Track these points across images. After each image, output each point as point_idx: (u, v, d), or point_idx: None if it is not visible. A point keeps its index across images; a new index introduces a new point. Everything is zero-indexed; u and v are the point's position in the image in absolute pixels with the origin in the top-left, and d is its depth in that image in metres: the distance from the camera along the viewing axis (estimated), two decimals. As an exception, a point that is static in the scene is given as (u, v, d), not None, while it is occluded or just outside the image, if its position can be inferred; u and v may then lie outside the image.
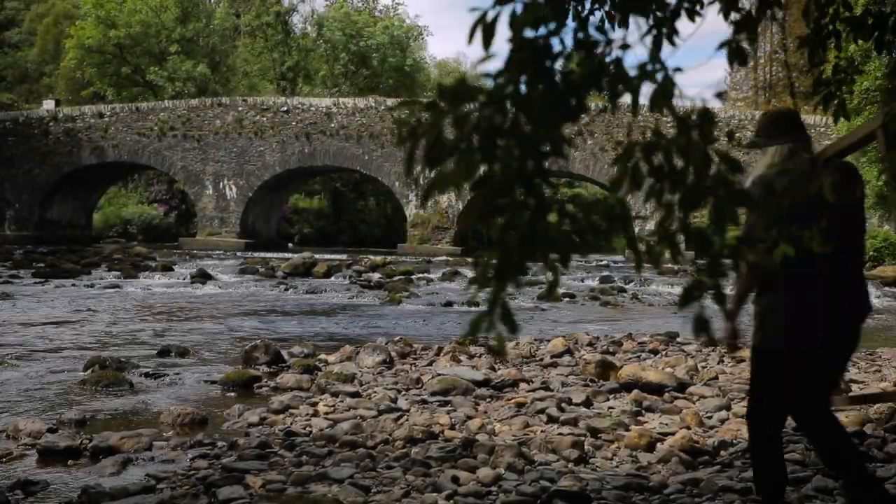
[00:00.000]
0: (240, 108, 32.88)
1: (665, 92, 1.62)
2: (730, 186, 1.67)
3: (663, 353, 8.34)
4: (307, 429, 5.32)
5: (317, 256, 21.72)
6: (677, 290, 17.69)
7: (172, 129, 33.01)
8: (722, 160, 1.70)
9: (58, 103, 38.17)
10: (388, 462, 4.53)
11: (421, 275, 19.47)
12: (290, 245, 37.94)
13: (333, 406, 5.86)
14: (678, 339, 9.25)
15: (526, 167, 1.56)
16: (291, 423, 5.45)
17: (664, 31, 1.76)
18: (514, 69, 1.49)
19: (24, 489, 4.14)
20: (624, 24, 1.70)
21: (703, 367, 7.27)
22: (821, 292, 3.18)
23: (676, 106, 1.65)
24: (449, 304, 14.69)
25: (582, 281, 18.91)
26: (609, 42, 1.66)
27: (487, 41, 1.60)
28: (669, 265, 20.86)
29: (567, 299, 15.59)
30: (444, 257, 26.83)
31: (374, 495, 4.00)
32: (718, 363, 7.66)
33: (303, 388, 6.68)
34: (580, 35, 1.61)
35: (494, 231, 1.58)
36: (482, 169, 1.57)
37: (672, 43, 1.78)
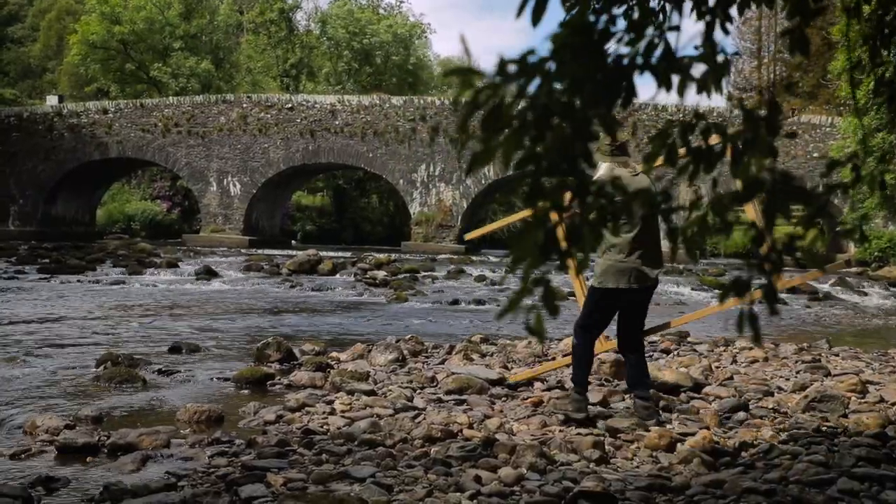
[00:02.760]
0: (244, 105, 32.87)
1: (719, 75, 1.60)
2: (787, 182, 1.65)
3: (675, 352, 8.33)
4: (324, 427, 5.30)
5: (321, 254, 21.70)
6: (682, 289, 17.67)
7: (177, 126, 33.00)
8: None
9: (61, 99, 38.22)
10: (409, 461, 4.51)
11: (426, 273, 19.46)
12: (294, 242, 37.96)
13: (350, 404, 5.84)
14: (689, 339, 9.23)
15: (574, 148, 1.54)
16: (308, 422, 5.43)
17: (718, 14, 1.74)
18: (568, 51, 1.46)
19: (45, 486, 4.13)
20: (678, 7, 1.69)
21: (717, 367, 7.25)
22: (631, 257, 5.12)
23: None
24: (455, 301, 14.68)
25: (586, 280, 18.86)
26: (661, 24, 1.64)
27: (537, 17, 1.56)
28: (677, 264, 20.82)
29: (572, 298, 15.56)
30: (447, 255, 26.82)
31: (396, 494, 3.98)
32: (732, 363, 7.64)
33: (317, 386, 6.66)
34: (634, 14, 1.59)
35: (539, 211, 1.56)
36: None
37: (725, 30, 1.76)
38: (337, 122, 31.97)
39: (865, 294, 17.13)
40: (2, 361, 7.58)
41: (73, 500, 4.02)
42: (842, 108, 26.47)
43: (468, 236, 7.30)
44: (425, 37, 54.12)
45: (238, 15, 52.22)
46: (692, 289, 17.87)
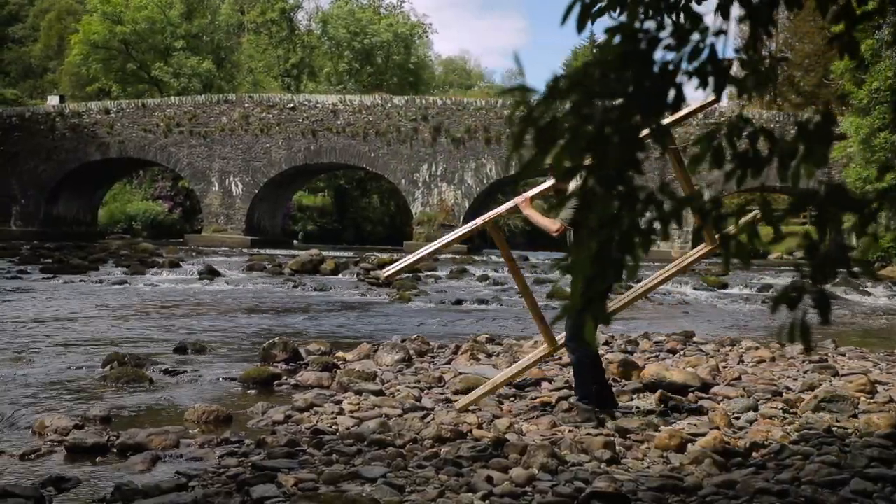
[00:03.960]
0: (246, 105, 32.86)
1: (768, 80, 1.60)
2: (839, 193, 1.64)
3: (681, 352, 8.31)
4: (334, 427, 5.29)
5: (323, 254, 21.69)
6: (686, 289, 17.67)
7: (178, 126, 33.00)
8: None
9: (62, 99, 38.20)
10: (420, 461, 4.50)
11: (429, 272, 19.46)
12: (295, 242, 37.95)
13: (358, 404, 5.83)
14: (695, 339, 9.23)
15: (624, 157, 1.54)
16: (317, 422, 5.42)
17: (762, 19, 1.73)
18: (619, 61, 1.46)
19: (55, 486, 4.12)
20: (725, 14, 1.68)
21: (725, 367, 7.24)
22: None
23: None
24: (459, 301, 14.67)
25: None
26: (705, 29, 1.63)
27: (582, 25, 1.58)
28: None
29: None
30: (450, 255, 26.79)
31: (408, 495, 3.97)
32: (739, 363, 7.63)
33: (324, 386, 6.65)
34: (682, 21, 1.59)
35: (592, 221, 1.56)
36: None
37: (768, 33, 1.75)
38: (339, 122, 31.97)
39: (869, 294, 17.11)
40: (8, 361, 7.58)
41: (84, 500, 4.01)
42: (843, 107, 26.44)
43: (385, 274, 6.22)
44: (426, 36, 54.15)
45: (239, 15, 52.22)
46: (694, 288, 17.88)
